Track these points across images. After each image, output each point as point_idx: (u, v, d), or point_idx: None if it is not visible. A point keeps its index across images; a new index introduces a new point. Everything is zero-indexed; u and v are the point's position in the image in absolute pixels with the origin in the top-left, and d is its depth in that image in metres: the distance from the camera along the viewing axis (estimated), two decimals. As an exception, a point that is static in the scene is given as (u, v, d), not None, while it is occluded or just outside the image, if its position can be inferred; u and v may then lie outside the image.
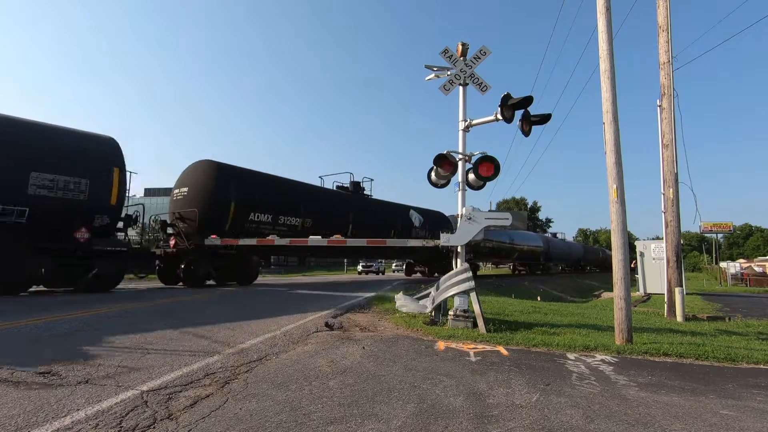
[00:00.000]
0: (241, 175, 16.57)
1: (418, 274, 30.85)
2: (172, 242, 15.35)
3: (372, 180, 23.37)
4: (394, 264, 45.42)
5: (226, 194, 15.32)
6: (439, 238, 7.82)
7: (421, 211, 26.44)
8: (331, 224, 18.21)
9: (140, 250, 15.66)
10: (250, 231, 15.76)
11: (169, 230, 16.01)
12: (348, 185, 22.29)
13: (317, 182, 21.29)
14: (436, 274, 26.09)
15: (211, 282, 16.13)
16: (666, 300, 11.24)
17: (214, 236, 13.05)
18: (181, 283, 15.62)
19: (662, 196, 11.35)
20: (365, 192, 23.01)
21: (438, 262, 26.60)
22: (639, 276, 20.09)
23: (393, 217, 24.12)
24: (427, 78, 8.49)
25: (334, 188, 21.85)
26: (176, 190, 16.17)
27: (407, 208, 25.91)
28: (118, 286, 13.59)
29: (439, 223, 26.33)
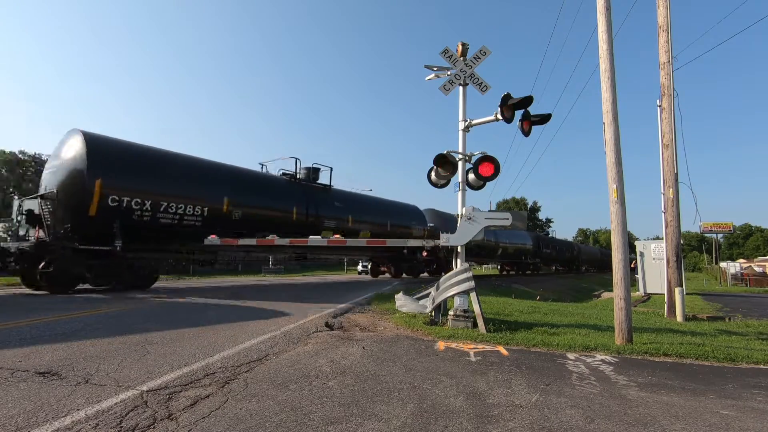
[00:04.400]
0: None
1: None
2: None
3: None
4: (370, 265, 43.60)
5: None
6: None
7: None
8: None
9: None
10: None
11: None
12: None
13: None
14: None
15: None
16: (666, 300, 11.23)
17: (213, 236, 12.67)
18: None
19: (662, 196, 11.35)
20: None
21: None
22: (639, 276, 20.09)
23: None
24: (427, 78, 8.49)
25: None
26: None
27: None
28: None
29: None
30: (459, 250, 7.75)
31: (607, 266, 57.19)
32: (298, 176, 18.65)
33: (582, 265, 54.59)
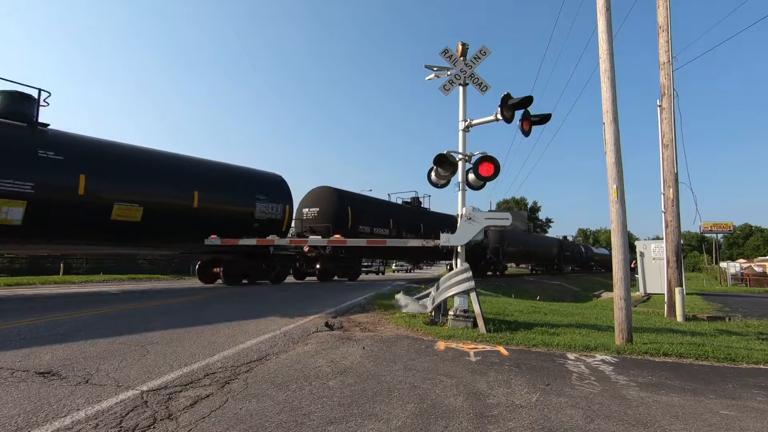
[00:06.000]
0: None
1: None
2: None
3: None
4: (393, 264, 45.43)
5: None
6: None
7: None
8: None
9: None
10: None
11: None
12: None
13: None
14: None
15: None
16: (666, 300, 11.23)
17: (213, 236, 12.94)
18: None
19: (662, 196, 11.35)
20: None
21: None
22: (639, 276, 20.06)
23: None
24: (427, 78, 8.49)
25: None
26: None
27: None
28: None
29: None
30: (459, 250, 7.75)
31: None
32: None
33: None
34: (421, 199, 28.31)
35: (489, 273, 34.69)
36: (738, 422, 3.28)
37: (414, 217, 26.44)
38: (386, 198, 26.86)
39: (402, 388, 3.85)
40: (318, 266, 20.12)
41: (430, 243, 8.55)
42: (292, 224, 19.44)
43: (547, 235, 66.11)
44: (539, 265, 46.78)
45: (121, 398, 3.32)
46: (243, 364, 4.51)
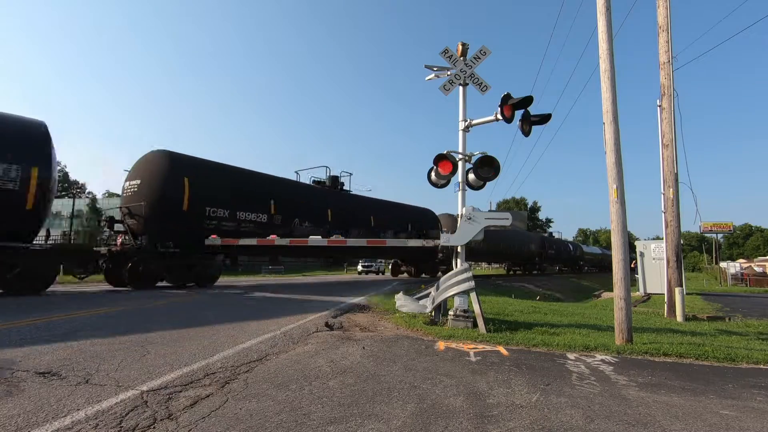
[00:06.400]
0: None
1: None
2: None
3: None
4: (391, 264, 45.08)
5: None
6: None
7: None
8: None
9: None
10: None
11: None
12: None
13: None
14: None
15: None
16: (666, 300, 11.24)
17: (214, 236, 12.94)
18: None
19: (662, 196, 11.36)
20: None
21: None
22: (639, 276, 20.07)
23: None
24: (427, 78, 8.49)
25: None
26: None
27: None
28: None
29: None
30: (459, 250, 7.75)
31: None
32: None
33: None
34: (342, 180, 21.86)
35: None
36: (738, 422, 3.28)
37: (318, 200, 19.18)
38: (294, 177, 20.19)
39: (402, 388, 3.85)
40: (129, 266, 13.35)
41: (430, 243, 8.55)
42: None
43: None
44: (516, 265, 41.67)
45: (121, 398, 3.31)
46: (243, 364, 4.51)
